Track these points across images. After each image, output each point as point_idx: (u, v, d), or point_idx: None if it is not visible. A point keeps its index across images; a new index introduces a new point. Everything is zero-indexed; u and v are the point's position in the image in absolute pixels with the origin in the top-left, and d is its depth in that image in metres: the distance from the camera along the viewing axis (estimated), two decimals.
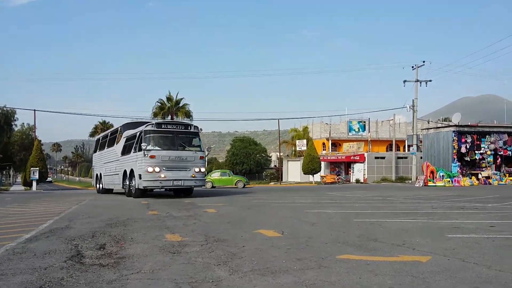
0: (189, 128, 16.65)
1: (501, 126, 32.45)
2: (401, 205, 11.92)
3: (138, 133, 16.18)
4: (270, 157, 65.35)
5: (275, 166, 58.80)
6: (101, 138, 23.83)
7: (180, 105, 47.17)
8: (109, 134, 21.78)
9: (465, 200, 13.62)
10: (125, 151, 17.50)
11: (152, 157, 15.20)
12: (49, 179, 77.77)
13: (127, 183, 17.05)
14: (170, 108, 46.19)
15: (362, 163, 41.76)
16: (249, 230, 6.88)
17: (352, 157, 42.79)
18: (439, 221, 7.84)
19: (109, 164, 20.00)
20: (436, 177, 28.18)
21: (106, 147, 21.11)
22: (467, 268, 4.01)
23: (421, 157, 33.72)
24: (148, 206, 12.27)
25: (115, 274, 3.97)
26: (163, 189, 17.19)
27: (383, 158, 42.33)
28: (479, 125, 32.25)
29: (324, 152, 50.93)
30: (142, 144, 15.15)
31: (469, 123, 33.41)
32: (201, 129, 16.78)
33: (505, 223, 7.53)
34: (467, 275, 3.75)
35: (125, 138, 17.90)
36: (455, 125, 30.85)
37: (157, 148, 15.59)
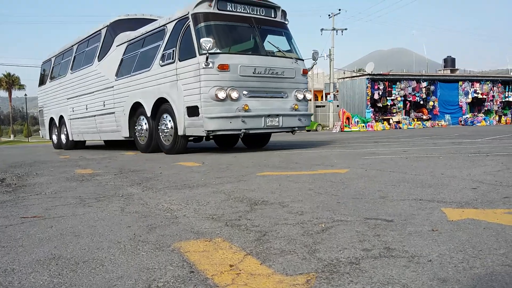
0: (272, 15, 8.56)
1: (410, 74, 34.35)
2: (319, 142, 12.21)
3: (173, 25, 8.24)
4: None
5: None
6: (54, 58, 14.20)
7: None
8: (75, 47, 12.63)
9: (379, 138, 14.29)
10: (128, 68, 9.68)
11: (223, 68, 7.44)
12: None
13: (145, 126, 9.10)
14: None
15: None
16: (168, 163, 6.61)
17: None
18: (356, 150, 8.07)
19: (84, 98, 11.58)
20: (351, 123, 29.41)
21: (70, 70, 12.55)
22: (383, 175, 4.07)
23: (338, 105, 34.92)
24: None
25: (10, 196, 3.53)
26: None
27: None
28: (390, 73, 33.91)
29: None
30: (203, 40, 7.07)
31: (382, 72, 34.98)
32: (287, 21, 8.94)
33: (416, 149, 7.92)
34: (384, 178, 3.80)
35: (125, 45, 10.02)
36: (369, 74, 32.15)
37: (220, 51, 7.61)
